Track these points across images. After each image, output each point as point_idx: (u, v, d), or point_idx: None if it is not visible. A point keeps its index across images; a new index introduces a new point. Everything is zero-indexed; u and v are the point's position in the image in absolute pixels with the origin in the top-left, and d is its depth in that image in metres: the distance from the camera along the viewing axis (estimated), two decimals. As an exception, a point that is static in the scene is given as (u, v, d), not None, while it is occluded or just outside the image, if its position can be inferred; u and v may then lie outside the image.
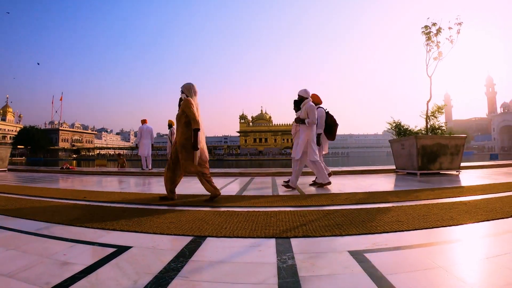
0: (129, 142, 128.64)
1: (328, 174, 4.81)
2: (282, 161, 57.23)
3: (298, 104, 4.19)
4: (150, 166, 8.65)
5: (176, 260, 1.46)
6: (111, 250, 1.60)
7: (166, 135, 8.51)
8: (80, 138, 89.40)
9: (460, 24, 6.38)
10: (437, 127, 6.67)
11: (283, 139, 75.37)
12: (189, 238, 1.80)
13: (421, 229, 1.91)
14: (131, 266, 1.40)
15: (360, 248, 1.59)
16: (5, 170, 8.73)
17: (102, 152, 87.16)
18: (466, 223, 2.01)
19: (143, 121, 8.74)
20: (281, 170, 7.64)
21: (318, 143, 4.65)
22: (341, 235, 1.82)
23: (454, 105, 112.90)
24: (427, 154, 5.93)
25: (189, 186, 4.93)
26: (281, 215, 2.38)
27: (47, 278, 1.28)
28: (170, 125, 8.32)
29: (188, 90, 3.16)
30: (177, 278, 1.28)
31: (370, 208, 2.60)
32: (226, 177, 6.54)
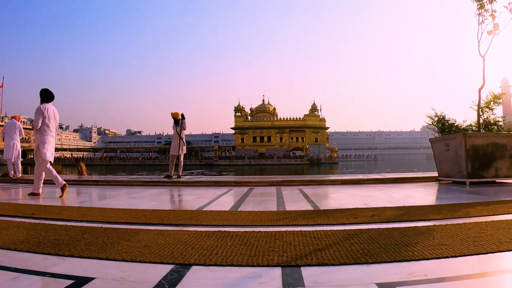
0: (91, 141, 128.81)
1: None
2: (290, 166, 57.28)
3: None
4: (18, 173, 8.95)
5: (152, 295, 1.46)
6: (68, 282, 1.60)
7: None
8: (27, 137, 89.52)
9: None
10: (492, 122, 6.68)
11: (292, 138, 75.37)
12: (169, 267, 1.80)
13: (472, 254, 1.91)
14: (93, 304, 1.40)
15: (393, 279, 1.59)
16: None
17: (56, 154, 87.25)
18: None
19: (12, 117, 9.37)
20: (289, 178, 7.65)
21: None
22: (367, 263, 1.82)
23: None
24: (479, 157, 5.94)
25: (168, 199, 4.95)
26: (289, 236, 2.38)
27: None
28: (178, 119, 8.47)
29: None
30: (153, 319, 1.28)
31: (405, 227, 2.61)
32: (217, 187, 6.56)
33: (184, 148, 8.54)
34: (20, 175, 8.95)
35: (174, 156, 8.37)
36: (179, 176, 8.22)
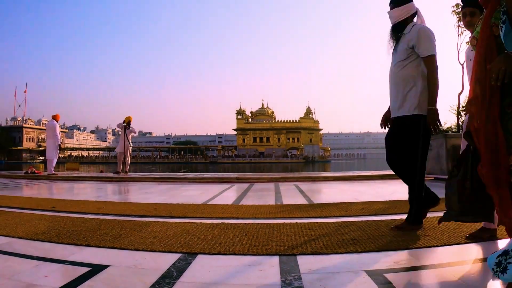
0: (106, 142, 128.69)
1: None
2: (286, 164, 57.29)
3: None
4: (49, 170, 8.60)
5: (162, 281, 1.46)
6: (85, 269, 1.60)
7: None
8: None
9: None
10: (470, 124, 6.68)
11: (288, 138, 75.39)
12: (177, 256, 1.80)
13: (452, 244, 1.91)
14: (108, 289, 1.40)
15: (380, 267, 1.59)
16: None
17: (74, 153, 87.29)
18: (506, 238, 2.01)
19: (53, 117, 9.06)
20: (286, 175, 7.65)
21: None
22: (357, 252, 1.82)
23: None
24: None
25: (176, 193, 4.94)
26: (286, 228, 2.38)
27: (8, 303, 1.28)
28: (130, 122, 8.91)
29: None
30: (163, 303, 1.28)
31: (391, 220, 2.60)
32: (220, 183, 6.55)
33: (130, 148, 9.03)
34: (47, 173, 8.52)
35: (121, 153, 8.72)
36: (126, 172, 8.56)
